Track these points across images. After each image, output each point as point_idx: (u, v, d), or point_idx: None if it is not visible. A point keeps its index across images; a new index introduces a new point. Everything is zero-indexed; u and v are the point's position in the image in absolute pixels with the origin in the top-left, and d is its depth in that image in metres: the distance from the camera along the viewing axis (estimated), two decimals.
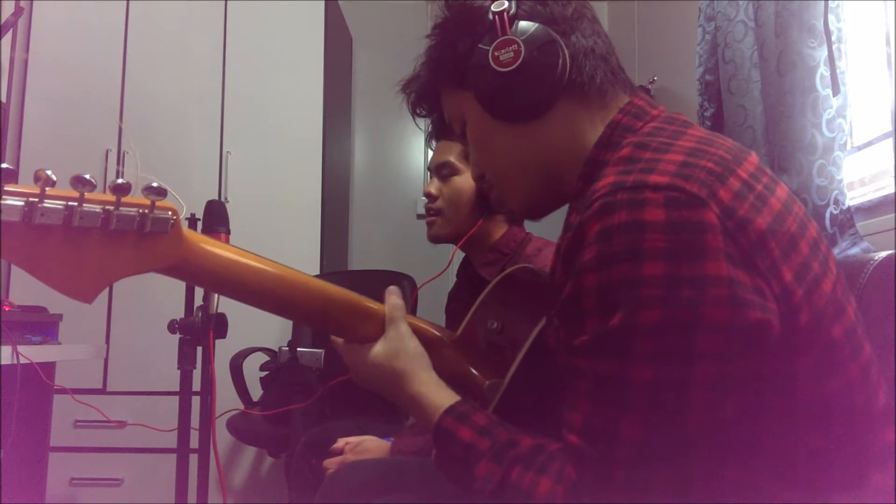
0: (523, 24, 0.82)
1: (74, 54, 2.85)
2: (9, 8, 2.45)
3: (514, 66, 0.81)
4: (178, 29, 2.92)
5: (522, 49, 0.81)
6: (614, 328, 0.66)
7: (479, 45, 0.84)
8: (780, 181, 0.76)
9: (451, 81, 0.92)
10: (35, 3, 2.85)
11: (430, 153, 1.71)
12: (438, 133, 1.63)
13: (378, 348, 0.89)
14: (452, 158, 1.61)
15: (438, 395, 0.86)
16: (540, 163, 0.87)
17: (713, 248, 0.64)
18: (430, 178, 1.67)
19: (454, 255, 1.65)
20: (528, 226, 1.65)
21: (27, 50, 2.84)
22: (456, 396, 0.86)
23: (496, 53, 0.82)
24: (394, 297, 0.92)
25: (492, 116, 0.86)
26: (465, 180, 1.60)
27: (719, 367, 0.64)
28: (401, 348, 0.89)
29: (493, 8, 0.83)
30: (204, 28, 2.93)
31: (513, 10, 0.83)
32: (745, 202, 0.67)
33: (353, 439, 1.58)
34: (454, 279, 1.79)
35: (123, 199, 0.64)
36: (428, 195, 1.64)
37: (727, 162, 0.71)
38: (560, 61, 0.81)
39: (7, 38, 2.58)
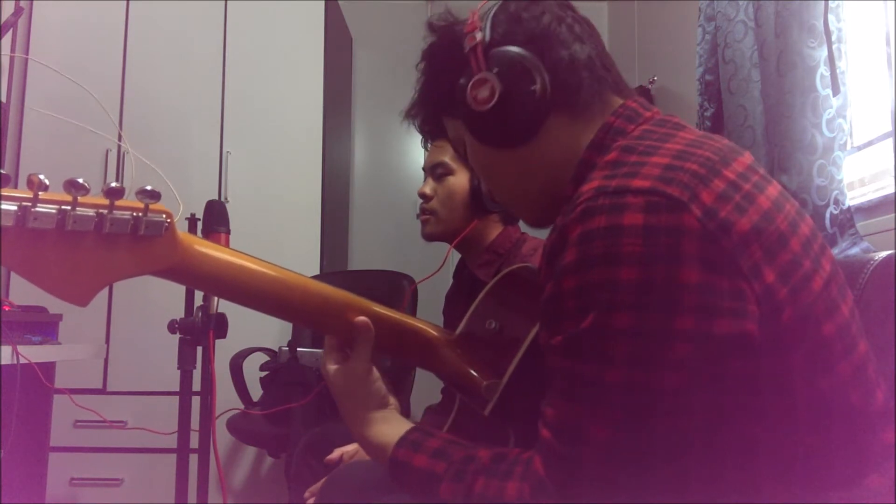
0: (498, 52, 0.82)
1: (74, 54, 2.85)
2: (9, 8, 2.44)
3: (491, 104, 0.82)
4: (178, 29, 2.92)
5: (497, 85, 0.81)
6: (587, 330, 0.67)
7: (460, 80, 0.85)
8: (773, 180, 0.77)
9: (445, 111, 0.93)
10: (35, 3, 2.85)
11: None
12: (434, 134, 1.63)
13: (334, 377, 0.89)
14: (447, 159, 1.61)
15: (387, 432, 0.86)
16: (538, 178, 0.88)
17: (688, 254, 0.65)
18: (425, 178, 1.67)
19: (449, 254, 1.65)
20: (524, 226, 1.66)
21: (27, 50, 2.84)
22: (406, 427, 0.85)
23: (473, 92, 0.83)
24: (363, 330, 0.89)
25: (484, 145, 0.87)
26: (458, 180, 1.61)
27: (692, 371, 0.65)
28: (351, 392, 0.88)
29: (467, 43, 0.84)
30: (204, 28, 2.93)
31: (487, 39, 0.83)
32: (728, 203, 0.68)
33: (349, 448, 1.57)
34: (451, 281, 1.79)
35: (117, 203, 0.64)
36: (422, 195, 1.64)
37: (713, 163, 0.71)
38: (538, 87, 0.81)
39: (7, 37, 2.58)
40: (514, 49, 0.82)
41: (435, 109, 0.96)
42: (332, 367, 0.90)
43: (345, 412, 0.89)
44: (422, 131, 1.04)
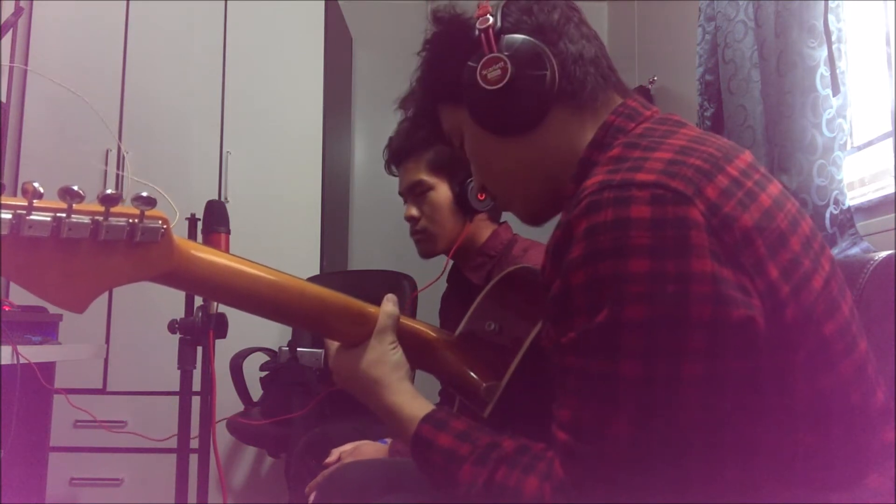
0: (509, 37, 0.83)
1: (74, 54, 2.85)
2: (9, 8, 2.44)
3: (502, 84, 0.82)
4: (178, 29, 2.92)
5: (509, 66, 0.82)
6: (601, 324, 0.66)
7: (468, 63, 0.85)
8: (774, 179, 0.77)
9: (446, 98, 0.93)
10: (35, 3, 2.85)
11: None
12: (397, 159, 1.68)
13: (360, 354, 0.89)
14: (423, 176, 1.61)
15: (414, 404, 0.86)
16: (538, 171, 0.88)
17: (697, 245, 0.65)
18: (405, 201, 1.68)
19: (448, 264, 1.66)
20: (515, 227, 1.66)
21: (27, 50, 2.84)
22: (431, 406, 0.86)
23: (484, 72, 0.83)
24: (389, 304, 0.92)
25: (486, 131, 0.87)
26: (440, 193, 1.61)
27: (707, 363, 0.65)
28: (381, 358, 0.89)
29: (478, 25, 0.85)
30: (204, 28, 2.93)
31: (498, 25, 0.84)
32: (731, 199, 0.68)
33: (347, 448, 1.56)
34: (447, 284, 1.80)
35: (113, 210, 0.64)
36: (410, 219, 1.65)
37: (717, 159, 0.71)
38: (548, 73, 0.82)
39: (7, 37, 2.58)
40: (524, 36, 0.83)
41: (435, 96, 0.96)
42: (349, 348, 0.90)
43: (373, 381, 0.88)
44: (416, 121, 1.04)
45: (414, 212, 1.64)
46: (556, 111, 0.84)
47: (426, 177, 1.61)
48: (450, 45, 0.91)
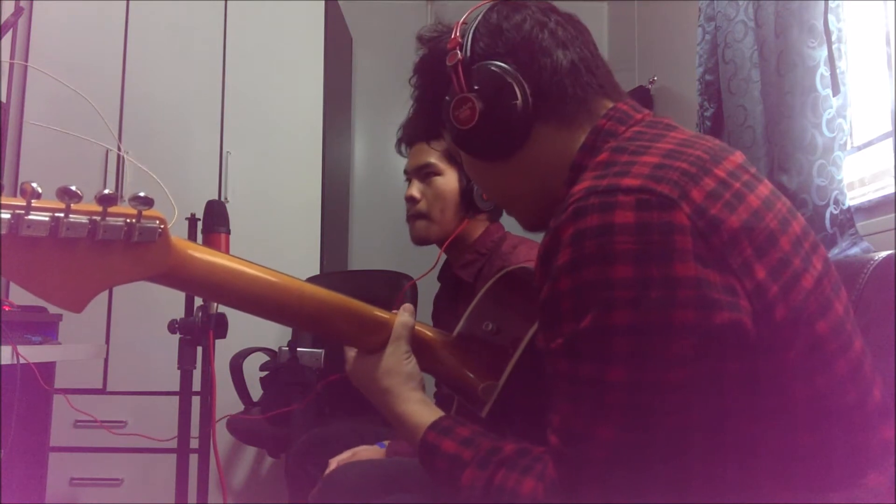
0: (478, 68, 0.84)
1: (74, 54, 2.85)
2: (9, 8, 2.44)
3: (472, 124, 0.83)
4: (178, 29, 2.92)
5: (477, 105, 0.83)
6: (586, 330, 0.67)
7: (446, 98, 0.87)
8: (764, 179, 0.77)
9: (437, 124, 0.95)
10: (35, 3, 2.85)
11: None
12: (411, 138, 1.61)
13: (375, 363, 0.91)
14: (433, 160, 1.58)
15: (424, 413, 0.88)
16: (533, 184, 0.89)
17: (682, 250, 0.65)
18: (409, 181, 1.64)
19: (440, 256, 1.63)
20: (506, 225, 1.65)
21: (27, 50, 2.84)
22: (440, 414, 0.87)
23: (456, 112, 0.85)
24: (405, 315, 0.93)
25: (473, 158, 0.89)
26: (447, 181, 1.58)
27: (693, 366, 0.65)
28: (394, 368, 0.90)
29: (448, 61, 0.86)
30: (204, 28, 2.93)
31: (468, 55, 0.85)
32: (718, 201, 0.68)
33: (344, 456, 1.55)
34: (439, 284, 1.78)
35: (111, 209, 0.65)
36: (410, 198, 1.61)
37: (704, 162, 0.72)
38: (519, 101, 0.82)
39: (7, 38, 2.58)
40: (494, 65, 0.83)
41: (428, 123, 0.99)
42: (365, 355, 0.92)
43: (385, 390, 0.90)
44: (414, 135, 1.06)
45: (415, 192, 1.60)
46: (539, 129, 0.84)
47: (438, 161, 1.58)
48: (429, 79, 0.94)
